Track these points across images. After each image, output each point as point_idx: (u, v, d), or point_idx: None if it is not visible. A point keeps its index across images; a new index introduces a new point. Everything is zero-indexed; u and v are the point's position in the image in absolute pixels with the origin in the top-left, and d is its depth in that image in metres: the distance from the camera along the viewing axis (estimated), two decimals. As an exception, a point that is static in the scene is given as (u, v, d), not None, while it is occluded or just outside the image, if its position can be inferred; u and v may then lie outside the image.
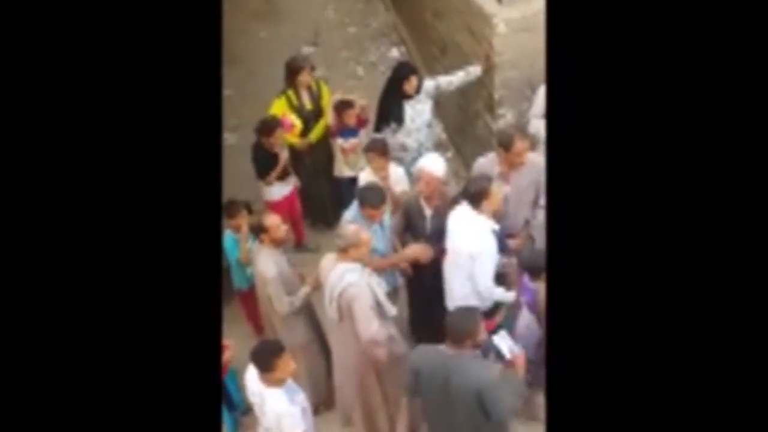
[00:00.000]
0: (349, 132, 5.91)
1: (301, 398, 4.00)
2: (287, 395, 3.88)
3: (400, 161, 5.68)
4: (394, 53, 8.26)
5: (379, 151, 5.20)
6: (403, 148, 5.71)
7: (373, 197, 4.66)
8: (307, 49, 8.17)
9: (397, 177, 5.33)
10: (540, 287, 4.48)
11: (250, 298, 5.71)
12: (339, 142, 5.94)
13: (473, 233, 4.47)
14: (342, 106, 5.84)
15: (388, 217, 4.91)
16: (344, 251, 4.32)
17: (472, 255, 4.46)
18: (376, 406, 4.72)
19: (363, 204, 4.67)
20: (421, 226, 4.93)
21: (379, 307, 4.38)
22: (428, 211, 4.90)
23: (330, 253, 4.54)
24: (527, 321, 4.66)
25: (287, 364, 3.86)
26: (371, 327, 4.27)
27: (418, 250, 4.81)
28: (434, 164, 4.82)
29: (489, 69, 5.75)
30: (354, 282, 4.25)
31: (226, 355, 4.77)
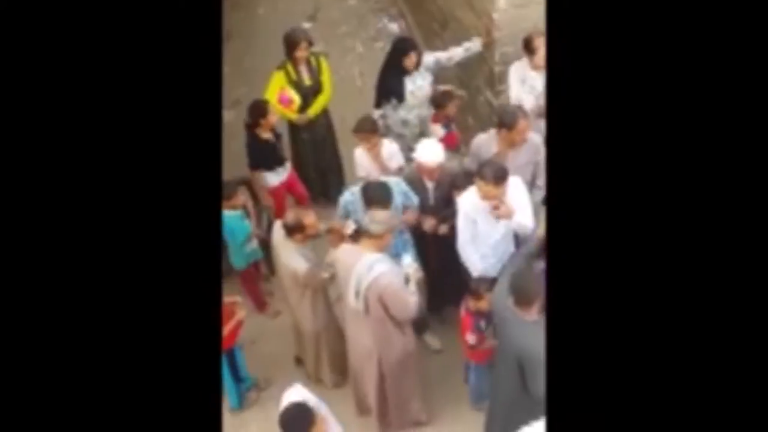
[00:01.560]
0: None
1: None
2: None
3: (401, 137, 5.68)
4: (394, 28, 8.21)
5: (368, 130, 5.21)
6: (405, 123, 5.70)
7: (380, 196, 4.56)
8: (305, 24, 8.11)
9: (390, 153, 5.33)
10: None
11: (249, 276, 5.74)
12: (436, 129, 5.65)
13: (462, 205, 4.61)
14: (444, 98, 5.65)
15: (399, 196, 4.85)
16: (374, 239, 4.27)
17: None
18: (393, 397, 4.77)
19: (369, 204, 4.55)
20: (423, 197, 4.98)
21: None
22: (430, 184, 4.95)
23: (346, 244, 4.53)
24: None
25: (321, 428, 3.58)
26: (408, 308, 4.35)
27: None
28: (430, 154, 4.82)
29: (489, 44, 5.72)
30: (383, 272, 4.24)
31: (240, 315, 4.80)
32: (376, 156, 5.28)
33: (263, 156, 5.71)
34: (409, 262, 4.51)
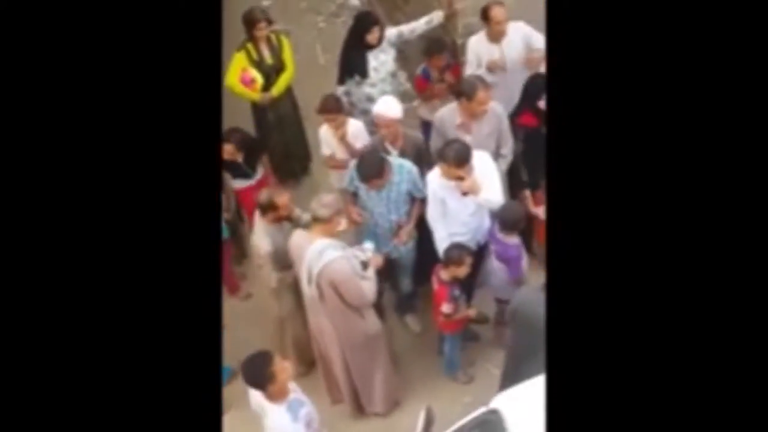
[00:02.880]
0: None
1: (306, 411, 3.71)
2: (290, 413, 3.63)
3: (365, 113, 5.62)
4: (355, 2, 8.09)
5: (333, 109, 5.18)
6: (369, 99, 5.63)
7: (374, 169, 4.53)
8: (264, 2, 7.96)
9: (355, 131, 5.29)
10: (510, 240, 4.55)
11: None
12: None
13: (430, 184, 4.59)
14: (432, 45, 5.56)
15: (400, 178, 4.76)
16: (323, 224, 4.23)
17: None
18: (359, 382, 4.74)
19: (363, 178, 4.57)
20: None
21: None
22: (394, 153, 4.91)
23: (299, 229, 4.49)
24: (494, 267, 4.77)
25: (283, 369, 3.57)
26: (363, 294, 4.31)
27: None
28: (389, 107, 4.83)
29: (452, 15, 5.69)
30: (333, 259, 4.19)
31: None
32: (342, 135, 5.23)
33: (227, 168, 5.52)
34: (369, 247, 4.48)
